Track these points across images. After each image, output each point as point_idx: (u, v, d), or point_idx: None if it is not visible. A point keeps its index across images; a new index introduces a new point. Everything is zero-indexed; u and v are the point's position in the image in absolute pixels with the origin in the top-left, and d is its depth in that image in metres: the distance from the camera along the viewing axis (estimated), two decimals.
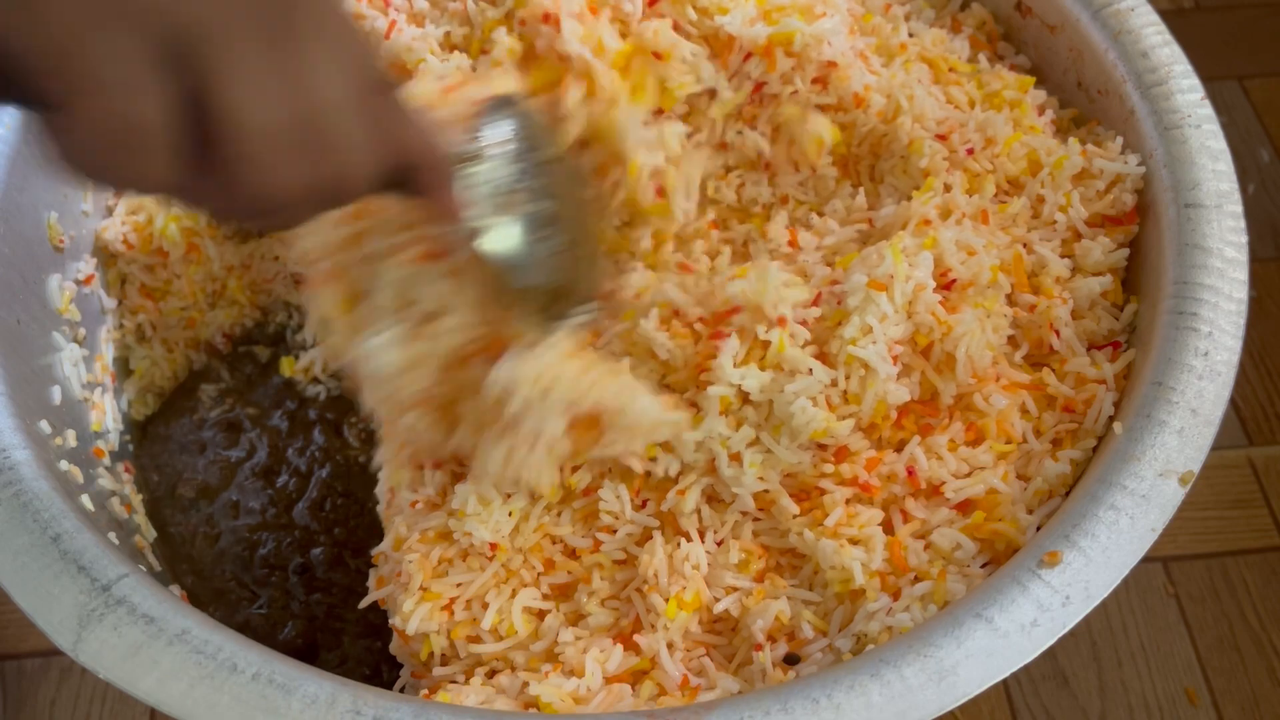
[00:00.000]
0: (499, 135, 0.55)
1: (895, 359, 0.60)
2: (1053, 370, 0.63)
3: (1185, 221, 0.65)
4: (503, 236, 0.54)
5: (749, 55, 0.70)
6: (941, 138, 0.69)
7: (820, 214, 0.70)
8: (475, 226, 0.53)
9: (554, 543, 0.62)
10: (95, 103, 0.36)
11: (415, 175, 0.48)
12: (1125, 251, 0.67)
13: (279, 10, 0.39)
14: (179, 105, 0.37)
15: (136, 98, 0.36)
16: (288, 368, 0.82)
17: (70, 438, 0.66)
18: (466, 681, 0.59)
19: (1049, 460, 0.60)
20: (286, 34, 0.39)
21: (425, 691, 0.59)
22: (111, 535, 0.60)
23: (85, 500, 0.61)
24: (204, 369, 0.84)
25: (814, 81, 0.70)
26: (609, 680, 0.56)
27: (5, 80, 0.36)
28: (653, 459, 0.61)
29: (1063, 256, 0.67)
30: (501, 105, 0.56)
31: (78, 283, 0.72)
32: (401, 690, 0.63)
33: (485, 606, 0.60)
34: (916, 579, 0.58)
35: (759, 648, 0.57)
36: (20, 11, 0.35)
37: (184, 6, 0.37)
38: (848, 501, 0.59)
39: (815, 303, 0.61)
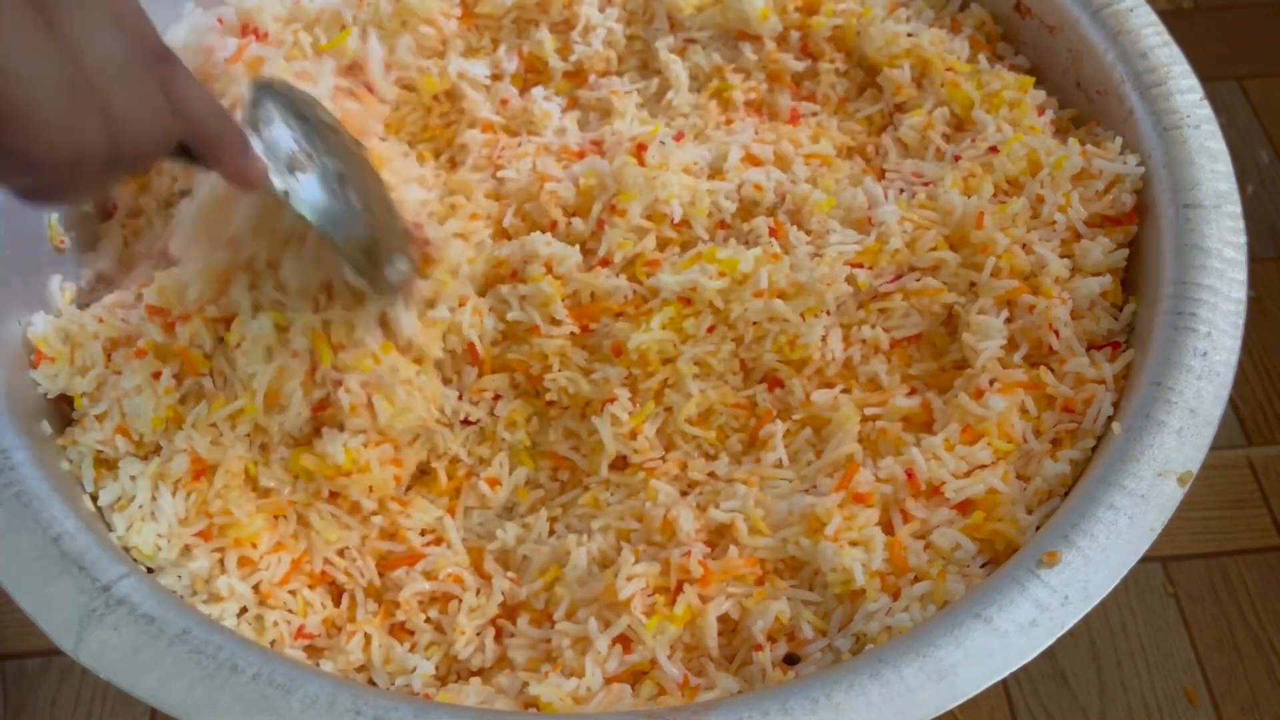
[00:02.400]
0: (274, 103, 0.58)
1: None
2: (1052, 370, 0.63)
3: (1184, 222, 0.65)
4: (307, 192, 0.57)
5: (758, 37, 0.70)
6: (944, 137, 0.69)
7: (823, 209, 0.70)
8: (281, 188, 0.56)
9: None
10: None
11: (207, 143, 0.50)
12: (1124, 252, 0.67)
13: None
14: None
15: None
16: None
17: (68, 434, 0.66)
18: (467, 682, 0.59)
19: (1048, 460, 0.61)
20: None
21: (425, 691, 0.59)
22: (112, 535, 0.60)
23: (86, 500, 0.61)
24: None
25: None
26: (609, 680, 0.56)
27: None
28: None
29: (1062, 256, 0.67)
30: (266, 84, 0.59)
31: (78, 284, 0.72)
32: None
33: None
34: (916, 579, 0.58)
35: (759, 648, 0.57)
36: None
37: None
38: (841, 504, 0.59)
39: None
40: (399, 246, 0.63)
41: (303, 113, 0.60)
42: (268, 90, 0.59)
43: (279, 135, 0.57)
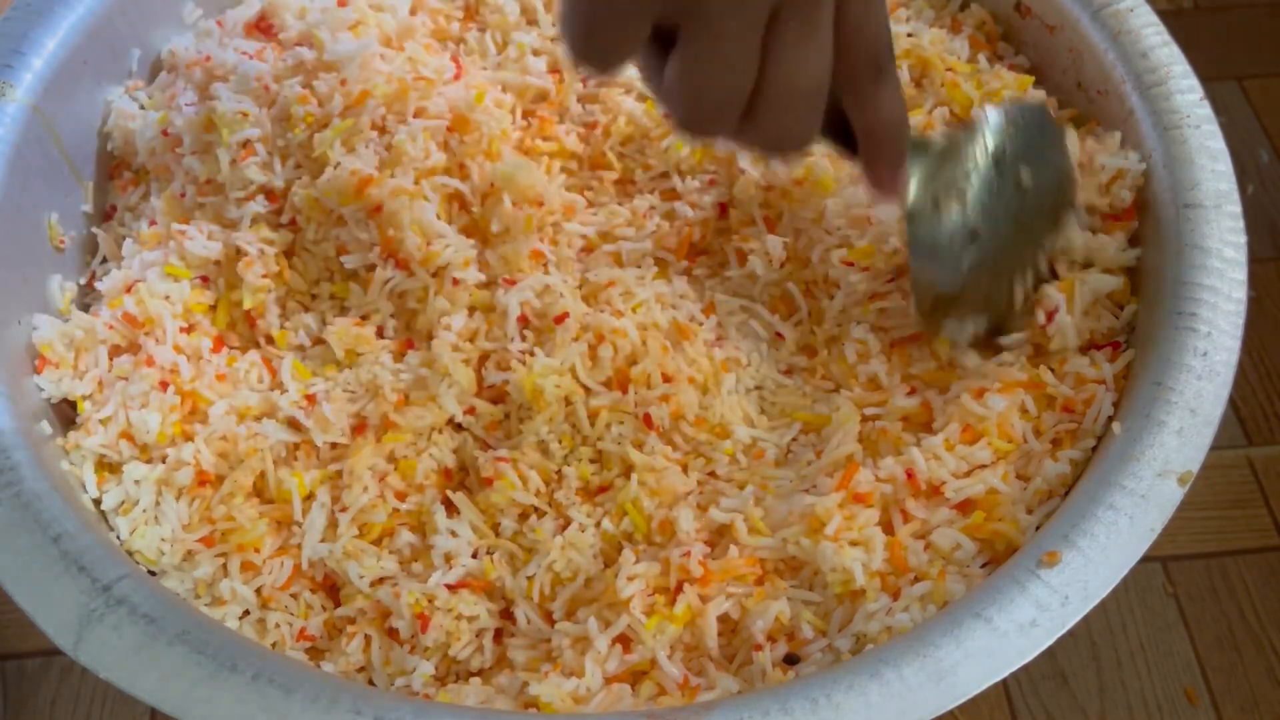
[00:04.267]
0: (980, 135, 0.60)
1: None
2: (1052, 370, 0.63)
3: (1184, 222, 0.65)
4: (929, 229, 0.59)
5: None
6: None
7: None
8: (908, 209, 0.58)
9: None
10: (711, 50, 0.44)
11: (870, 142, 0.55)
12: (1136, 251, 0.67)
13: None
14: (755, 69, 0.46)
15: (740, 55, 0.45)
16: None
17: (71, 439, 0.66)
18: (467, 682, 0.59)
19: (1048, 460, 0.61)
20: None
21: (425, 692, 0.59)
22: (112, 535, 0.61)
23: (86, 501, 0.61)
24: None
25: None
26: (609, 680, 0.56)
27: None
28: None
29: None
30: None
31: (79, 284, 0.72)
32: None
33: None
34: (916, 579, 0.58)
35: (759, 648, 0.57)
36: None
37: None
38: (841, 504, 0.59)
39: None
40: (1002, 322, 0.63)
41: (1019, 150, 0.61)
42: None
43: (946, 164, 0.59)
